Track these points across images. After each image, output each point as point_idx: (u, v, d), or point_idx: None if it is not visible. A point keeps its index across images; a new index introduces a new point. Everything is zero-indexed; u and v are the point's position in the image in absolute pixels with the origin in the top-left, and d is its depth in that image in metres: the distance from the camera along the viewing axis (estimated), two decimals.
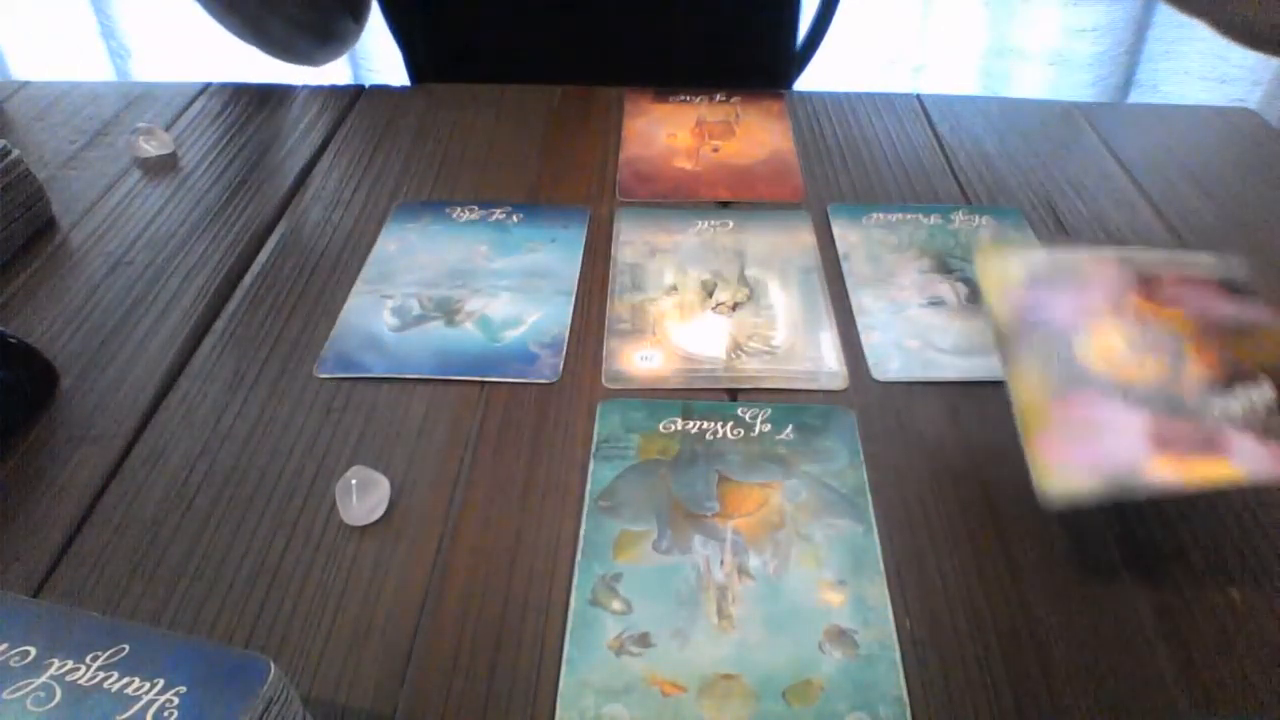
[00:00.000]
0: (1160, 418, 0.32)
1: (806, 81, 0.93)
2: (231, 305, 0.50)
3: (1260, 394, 0.33)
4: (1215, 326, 0.35)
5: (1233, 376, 0.33)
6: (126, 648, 0.27)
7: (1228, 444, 0.31)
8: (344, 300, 0.50)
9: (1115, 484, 0.30)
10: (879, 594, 0.36)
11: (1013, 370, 0.35)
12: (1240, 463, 0.30)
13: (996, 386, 0.45)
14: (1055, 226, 0.57)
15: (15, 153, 0.54)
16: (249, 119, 0.67)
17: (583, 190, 0.60)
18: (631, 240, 0.55)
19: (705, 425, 0.43)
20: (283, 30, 0.71)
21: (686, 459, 0.41)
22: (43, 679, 0.26)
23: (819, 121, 0.67)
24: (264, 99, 0.70)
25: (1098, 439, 0.31)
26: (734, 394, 0.45)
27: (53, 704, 0.26)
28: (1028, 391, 0.34)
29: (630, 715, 0.32)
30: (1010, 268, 0.39)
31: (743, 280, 0.52)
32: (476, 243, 0.55)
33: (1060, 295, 0.38)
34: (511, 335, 0.48)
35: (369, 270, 0.53)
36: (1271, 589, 0.36)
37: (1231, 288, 0.37)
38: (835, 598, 0.36)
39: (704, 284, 0.52)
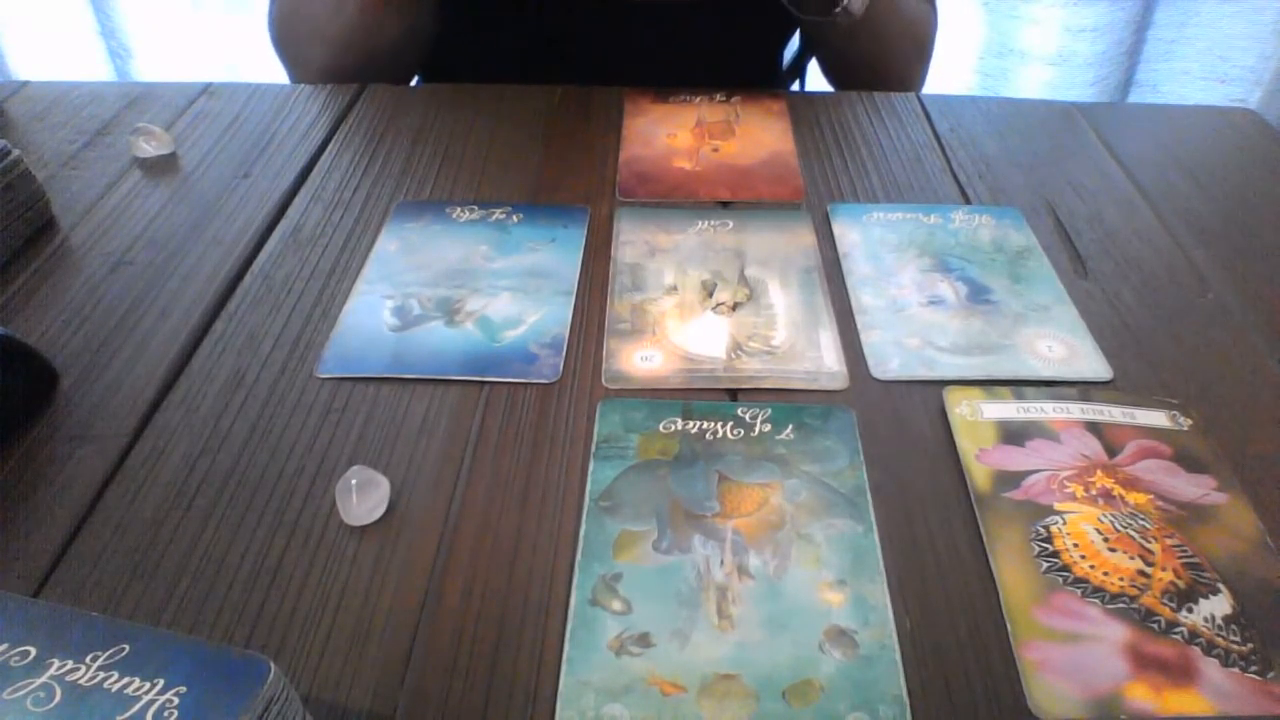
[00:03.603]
0: (1135, 631, 0.34)
1: (807, 82, 0.93)
2: (231, 305, 0.50)
3: (1219, 607, 0.35)
4: (1177, 516, 0.39)
5: (1194, 585, 0.36)
6: (126, 648, 0.27)
7: (1198, 670, 0.33)
8: (344, 300, 0.50)
9: (1099, 709, 0.32)
10: (879, 594, 0.36)
11: (996, 549, 0.38)
12: (1209, 695, 0.33)
13: (996, 385, 0.45)
14: (1055, 226, 0.57)
15: (15, 153, 0.54)
16: (249, 119, 0.67)
17: (583, 190, 0.60)
18: (631, 240, 0.55)
19: (705, 425, 0.43)
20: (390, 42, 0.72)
21: (686, 459, 0.41)
22: (43, 679, 0.26)
23: (819, 121, 0.67)
24: (264, 99, 0.70)
25: (1080, 653, 0.34)
26: (734, 394, 0.45)
27: (53, 704, 0.26)
28: (1013, 588, 0.36)
29: (630, 715, 0.32)
30: (981, 425, 0.43)
31: (743, 280, 0.52)
32: (476, 243, 0.55)
33: (1032, 457, 0.41)
34: (511, 335, 0.48)
35: (369, 270, 0.53)
36: None
37: (1188, 461, 0.41)
38: (835, 598, 0.36)
39: (704, 284, 0.52)
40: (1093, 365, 0.46)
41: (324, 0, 0.70)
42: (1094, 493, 0.40)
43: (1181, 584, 0.36)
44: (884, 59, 0.75)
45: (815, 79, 0.91)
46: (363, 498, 0.38)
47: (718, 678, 0.33)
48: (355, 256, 0.54)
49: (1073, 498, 0.39)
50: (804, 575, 0.36)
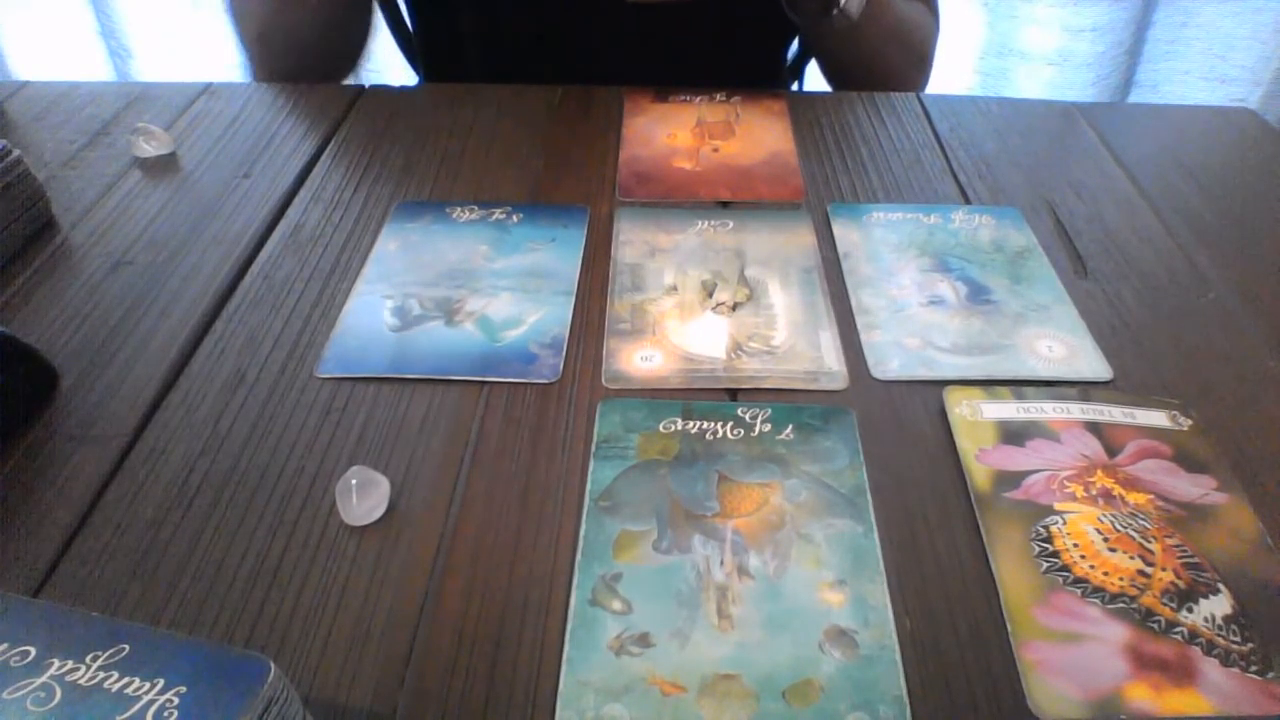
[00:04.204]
0: (1135, 631, 0.34)
1: (806, 82, 0.93)
2: (231, 305, 0.50)
3: (1219, 607, 0.35)
4: (1177, 516, 0.39)
5: (1194, 585, 0.36)
6: (126, 648, 0.27)
7: (1198, 670, 0.33)
8: (344, 300, 0.50)
9: (1099, 709, 0.32)
10: (879, 594, 0.36)
11: (996, 549, 0.37)
12: (1209, 695, 0.33)
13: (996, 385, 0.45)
14: (1055, 226, 0.57)
15: (15, 153, 0.54)
16: (249, 119, 0.67)
17: (583, 190, 0.60)
18: (631, 240, 0.55)
19: (705, 425, 0.43)
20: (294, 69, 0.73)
21: (686, 459, 0.41)
22: (43, 679, 0.26)
23: (819, 121, 0.67)
24: (264, 99, 0.70)
25: (1080, 653, 0.34)
26: (734, 394, 0.45)
27: (53, 704, 0.26)
28: (1013, 589, 0.36)
29: (630, 715, 0.32)
30: (981, 425, 0.42)
31: (743, 280, 0.52)
32: (476, 243, 0.55)
33: (1032, 457, 0.41)
34: (511, 335, 0.48)
35: (369, 270, 0.53)
36: None
37: (1188, 461, 0.41)
38: (835, 598, 0.36)
39: (704, 284, 0.52)
40: (1093, 365, 0.46)
41: None
42: (1094, 493, 0.40)
43: (1181, 584, 0.36)
44: (881, 65, 0.75)
45: (816, 79, 0.90)
46: (363, 498, 0.38)
47: (718, 678, 0.33)
48: (355, 256, 0.54)
49: (1073, 498, 0.39)
50: (804, 575, 0.36)
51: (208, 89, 0.71)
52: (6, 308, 0.50)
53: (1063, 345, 0.47)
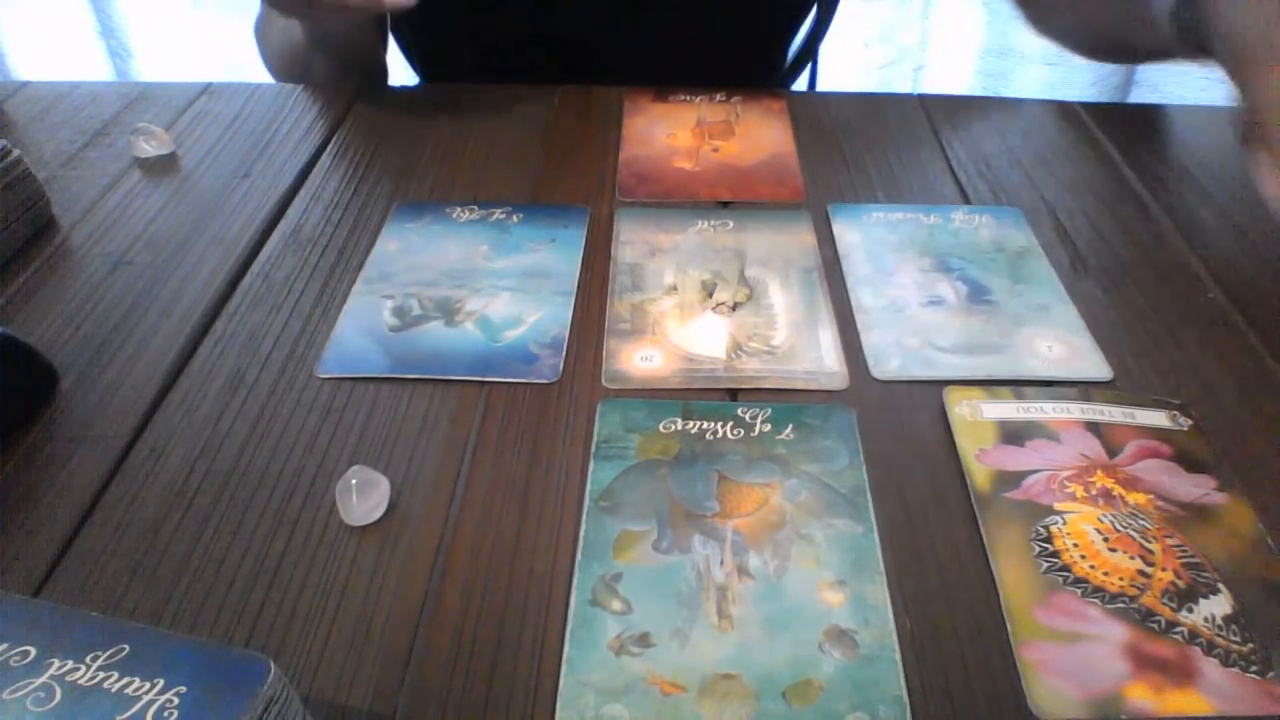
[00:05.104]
0: (1135, 631, 0.34)
1: (806, 81, 0.93)
2: (231, 305, 0.50)
3: (1219, 607, 0.35)
4: (1177, 516, 0.39)
5: (1194, 585, 0.36)
6: (126, 648, 0.27)
7: (1198, 670, 0.33)
8: (344, 300, 0.50)
9: (1099, 709, 0.32)
10: (879, 594, 0.36)
11: (996, 549, 0.37)
12: (1209, 695, 0.33)
13: (997, 385, 0.45)
14: (1055, 226, 0.57)
15: (15, 153, 0.54)
16: (249, 119, 0.67)
17: (583, 190, 0.60)
18: (631, 240, 0.55)
19: (705, 425, 0.43)
20: (324, 74, 0.74)
21: (686, 459, 0.41)
22: (43, 679, 0.26)
23: (819, 121, 0.67)
24: (264, 99, 0.70)
25: (1081, 653, 0.34)
26: (734, 394, 0.45)
27: (53, 704, 0.26)
28: (1013, 589, 0.36)
29: (630, 715, 0.32)
30: (981, 425, 0.42)
31: (743, 280, 0.52)
32: (476, 243, 0.55)
33: (1032, 457, 0.41)
34: (511, 335, 0.48)
35: (369, 270, 0.53)
36: None
37: (1188, 461, 0.41)
38: (835, 598, 0.36)
39: (704, 284, 0.52)
40: (1093, 365, 0.46)
41: None
42: (1094, 493, 0.40)
43: (1181, 584, 0.36)
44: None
45: (826, 79, 0.90)
46: (363, 498, 0.38)
47: (718, 678, 0.33)
48: (355, 256, 0.54)
49: (1073, 498, 0.39)
50: (804, 575, 0.36)
51: (208, 89, 0.71)
52: (6, 308, 0.50)
53: (1063, 345, 0.47)
